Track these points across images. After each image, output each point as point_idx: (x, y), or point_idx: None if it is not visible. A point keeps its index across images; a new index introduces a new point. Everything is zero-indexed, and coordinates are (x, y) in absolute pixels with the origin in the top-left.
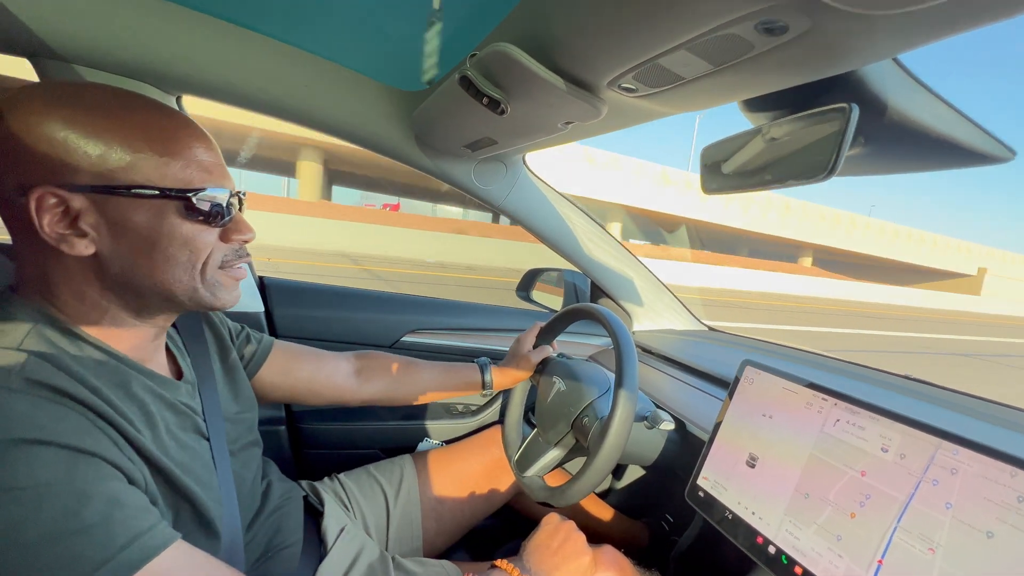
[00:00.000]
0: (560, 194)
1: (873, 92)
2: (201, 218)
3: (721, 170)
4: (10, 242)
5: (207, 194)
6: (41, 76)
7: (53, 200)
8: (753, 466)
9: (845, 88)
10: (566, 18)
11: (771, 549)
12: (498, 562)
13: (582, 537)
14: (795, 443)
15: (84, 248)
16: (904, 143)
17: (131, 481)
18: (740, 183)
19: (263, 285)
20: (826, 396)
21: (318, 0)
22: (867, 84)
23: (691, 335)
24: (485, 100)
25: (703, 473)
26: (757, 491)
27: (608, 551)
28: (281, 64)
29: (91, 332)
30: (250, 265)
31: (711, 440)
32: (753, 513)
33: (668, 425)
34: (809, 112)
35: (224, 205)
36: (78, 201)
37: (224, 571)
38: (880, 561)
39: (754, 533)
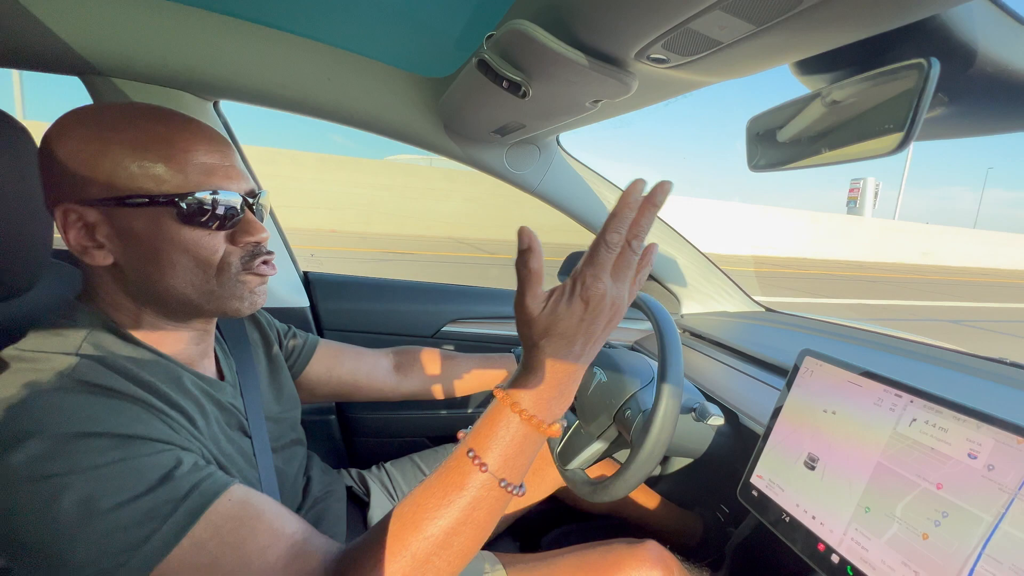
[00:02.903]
0: (597, 174)
1: (959, 40)
2: (200, 222)
3: (771, 144)
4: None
5: (199, 197)
6: (90, 92)
7: (74, 215)
8: (812, 468)
9: (921, 38)
10: None
11: (834, 558)
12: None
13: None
14: (862, 444)
15: (103, 258)
16: (1004, 99)
17: (185, 450)
18: (794, 157)
19: (308, 280)
20: (900, 392)
21: None
22: (950, 30)
23: (745, 317)
24: (505, 84)
25: (757, 471)
26: (818, 495)
27: (652, 547)
28: (309, 61)
29: (140, 336)
30: (295, 261)
31: (766, 436)
32: (814, 518)
33: (717, 420)
34: (876, 72)
35: (225, 207)
36: (92, 215)
37: (278, 508)
38: None
39: (815, 539)
